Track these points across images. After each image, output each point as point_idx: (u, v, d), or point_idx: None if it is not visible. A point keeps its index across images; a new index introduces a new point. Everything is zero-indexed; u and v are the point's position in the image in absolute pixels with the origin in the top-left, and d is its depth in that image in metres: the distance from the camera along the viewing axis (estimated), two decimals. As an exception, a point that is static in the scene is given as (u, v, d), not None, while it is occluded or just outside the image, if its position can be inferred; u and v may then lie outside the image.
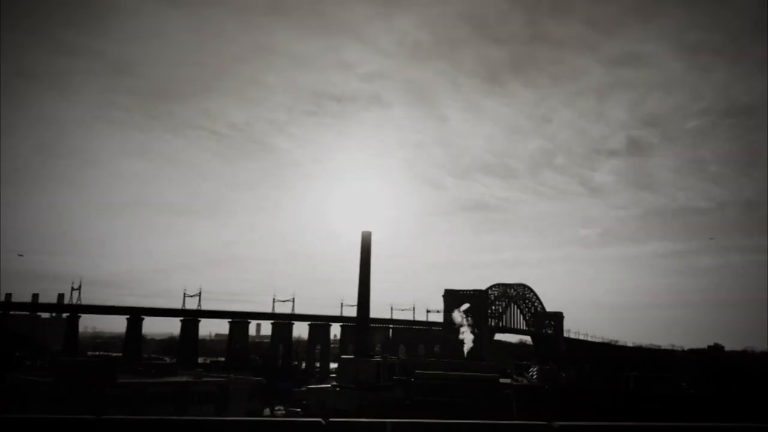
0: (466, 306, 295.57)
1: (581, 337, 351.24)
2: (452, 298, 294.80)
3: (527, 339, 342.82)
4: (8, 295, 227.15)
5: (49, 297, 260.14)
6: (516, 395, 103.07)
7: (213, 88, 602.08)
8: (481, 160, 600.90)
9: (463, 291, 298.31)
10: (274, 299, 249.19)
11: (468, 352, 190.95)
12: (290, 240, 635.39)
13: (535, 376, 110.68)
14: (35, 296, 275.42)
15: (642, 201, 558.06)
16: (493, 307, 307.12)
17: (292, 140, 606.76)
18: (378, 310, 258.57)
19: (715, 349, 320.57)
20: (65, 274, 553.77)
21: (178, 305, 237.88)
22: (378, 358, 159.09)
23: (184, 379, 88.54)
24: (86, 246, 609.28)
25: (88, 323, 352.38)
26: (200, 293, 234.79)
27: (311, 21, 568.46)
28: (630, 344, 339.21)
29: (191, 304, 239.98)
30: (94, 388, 74.70)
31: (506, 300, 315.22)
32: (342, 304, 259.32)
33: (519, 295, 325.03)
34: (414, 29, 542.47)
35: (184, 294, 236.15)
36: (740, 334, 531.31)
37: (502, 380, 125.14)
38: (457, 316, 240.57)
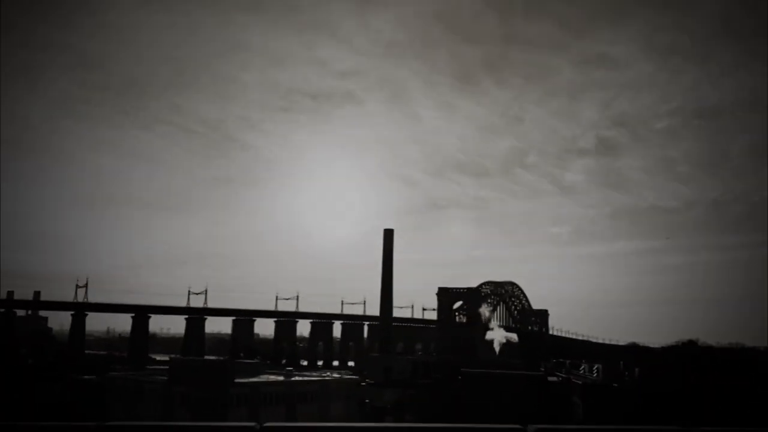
0: (459, 303, 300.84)
1: (563, 334, 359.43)
2: (446, 296, 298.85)
3: (511, 336, 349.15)
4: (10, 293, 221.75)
5: (19, 295, 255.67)
6: (581, 394, 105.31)
7: (185, 84, 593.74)
8: (455, 158, 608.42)
9: (456, 289, 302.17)
10: (276, 297, 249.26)
11: (499, 350, 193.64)
12: (265, 237, 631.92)
13: (596, 374, 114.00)
14: (10, 293, 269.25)
15: (612, 200, 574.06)
16: (485, 305, 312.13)
17: (265, 137, 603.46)
18: (372, 307, 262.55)
19: (689, 346, 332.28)
20: (32, 272, 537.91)
21: (150, 302, 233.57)
22: (409, 356, 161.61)
23: (291, 379, 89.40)
24: (53, 243, 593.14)
25: (64, 321, 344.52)
26: (206, 291, 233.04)
27: (286, 18, 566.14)
28: (606, 341, 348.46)
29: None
30: (215, 389, 75.30)
31: (497, 298, 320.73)
32: (342, 302, 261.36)
33: (507, 293, 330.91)
34: (388, 28, 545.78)
35: (189, 292, 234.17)
36: (706, 330, 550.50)
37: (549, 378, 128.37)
38: (485, 310, 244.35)
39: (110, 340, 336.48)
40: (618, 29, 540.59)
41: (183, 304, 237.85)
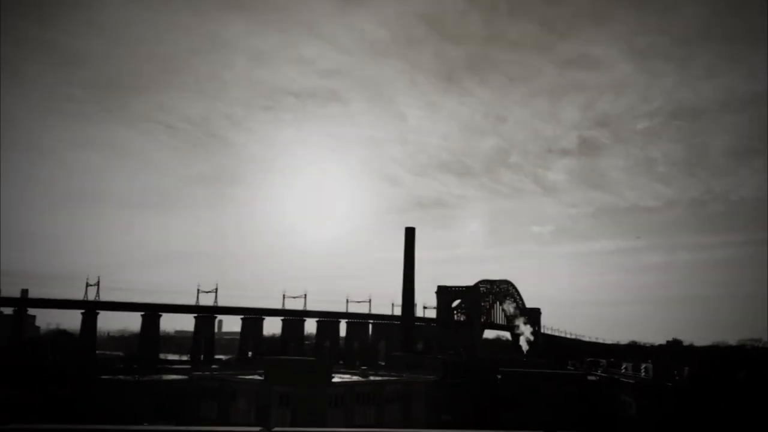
0: (457, 302, 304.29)
1: (555, 333, 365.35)
2: (445, 295, 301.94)
3: (505, 335, 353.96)
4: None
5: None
6: (634, 394, 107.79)
7: (168, 82, 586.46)
8: (438, 157, 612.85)
9: (455, 287, 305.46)
10: (284, 295, 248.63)
11: (527, 351, 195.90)
12: (251, 235, 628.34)
13: (644, 374, 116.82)
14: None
15: (593, 199, 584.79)
16: (482, 304, 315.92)
17: (249, 135, 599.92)
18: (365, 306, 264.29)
19: (674, 344, 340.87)
20: (12, 270, 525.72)
21: (143, 300, 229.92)
22: (439, 356, 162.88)
23: (378, 379, 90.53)
24: (37, 241, 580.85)
25: (51, 320, 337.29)
26: (216, 289, 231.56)
27: (269, 16, 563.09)
28: (593, 339, 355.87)
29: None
30: (314, 388, 76.20)
31: (492, 296, 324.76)
32: (347, 300, 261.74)
33: (502, 292, 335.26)
34: (372, 27, 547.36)
35: (198, 290, 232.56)
36: (686, 329, 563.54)
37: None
38: (509, 307, 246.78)
39: (99, 340, 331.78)
40: (600, 31, 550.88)
41: (179, 302, 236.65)
